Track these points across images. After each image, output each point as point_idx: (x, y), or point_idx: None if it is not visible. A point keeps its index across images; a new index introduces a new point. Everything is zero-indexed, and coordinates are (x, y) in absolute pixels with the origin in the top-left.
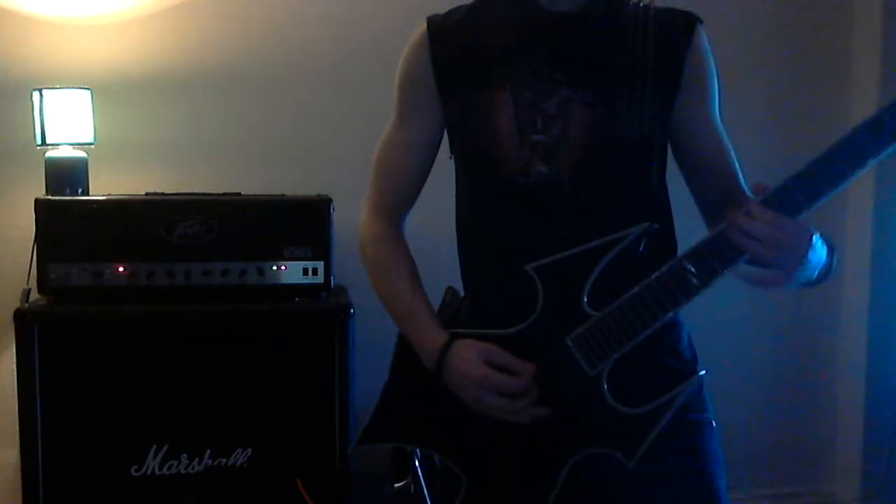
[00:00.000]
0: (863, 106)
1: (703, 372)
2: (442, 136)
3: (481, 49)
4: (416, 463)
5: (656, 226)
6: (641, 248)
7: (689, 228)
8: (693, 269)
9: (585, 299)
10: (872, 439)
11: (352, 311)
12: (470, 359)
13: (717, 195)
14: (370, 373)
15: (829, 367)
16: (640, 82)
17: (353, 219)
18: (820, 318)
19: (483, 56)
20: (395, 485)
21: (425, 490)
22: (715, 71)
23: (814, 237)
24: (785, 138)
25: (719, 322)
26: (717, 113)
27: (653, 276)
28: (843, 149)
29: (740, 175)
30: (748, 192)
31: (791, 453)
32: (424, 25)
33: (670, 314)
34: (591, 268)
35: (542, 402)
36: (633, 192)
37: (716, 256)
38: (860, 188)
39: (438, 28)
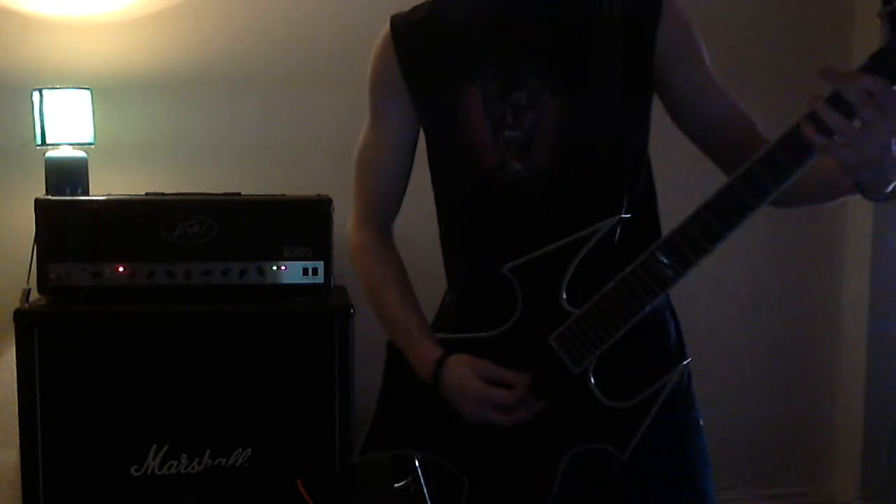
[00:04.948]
0: None
1: (689, 360)
2: (419, 135)
3: (446, 45)
4: (417, 463)
5: (626, 216)
6: (616, 239)
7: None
8: (666, 261)
9: (564, 297)
10: (872, 439)
11: (352, 311)
12: (464, 376)
13: (741, 150)
14: (370, 373)
15: (829, 367)
16: (609, 66)
17: None
18: (820, 318)
19: (449, 52)
20: (395, 485)
21: (425, 490)
22: (695, 31)
23: None
24: None
25: (719, 322)
26: (711, 70)
27: (627, 270)
28: None
29: (756, 126)
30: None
31: (791, 453)
32: (388, 26)
33: (648, 307)
34: (566, 265)
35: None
36: (613, 182)
37: (688, 244)
38: None
39: (402, 27)
